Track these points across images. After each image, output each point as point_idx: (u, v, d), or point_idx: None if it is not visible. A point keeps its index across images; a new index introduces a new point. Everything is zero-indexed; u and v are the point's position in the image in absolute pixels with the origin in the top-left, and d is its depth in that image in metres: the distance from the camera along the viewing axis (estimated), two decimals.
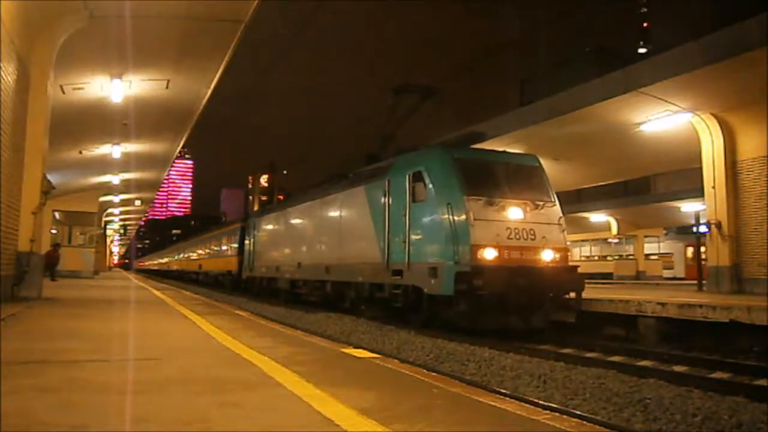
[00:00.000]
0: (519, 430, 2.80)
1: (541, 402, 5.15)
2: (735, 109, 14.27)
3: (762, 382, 6.45)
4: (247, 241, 22.49)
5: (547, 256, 9.51)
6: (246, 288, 22.43)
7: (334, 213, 13.98)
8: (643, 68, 14.09)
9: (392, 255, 10.75)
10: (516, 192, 9.81)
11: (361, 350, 5.65)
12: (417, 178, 10.28)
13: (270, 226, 19.91)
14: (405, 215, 10.40)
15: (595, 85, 15.32)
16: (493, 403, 3.26)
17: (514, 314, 9.13)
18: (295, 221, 17.07)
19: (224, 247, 28.34)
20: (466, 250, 8.97)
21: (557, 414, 3.24)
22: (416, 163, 10.52)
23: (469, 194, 9.37)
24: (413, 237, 10.19)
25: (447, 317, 9.63)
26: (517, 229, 9.37)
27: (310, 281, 15.31)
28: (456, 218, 9.23)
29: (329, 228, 14.21)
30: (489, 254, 9.01)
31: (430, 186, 9.93)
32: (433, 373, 4.81)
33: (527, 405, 3.39)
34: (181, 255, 46.71)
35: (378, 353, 6.03)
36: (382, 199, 11.32)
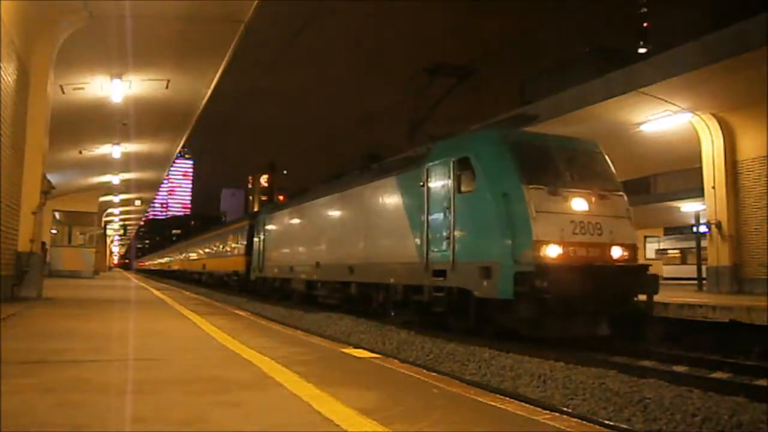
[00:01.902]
0: (519, 430, 2.80)
1: (541, 402, 5.16)
2: (735, 109, 14.28)
3: (762, 382, 6.45)
4: (256, 240, 21.00)
5: (616, 253, 8.45)
6: (254, 289, 21.11)
7: (359, 207, 12.66)
8: (643, 68, 14.10)
9: (432, 253, 9.49)
10: (579, 180, 8.66)
11: (361, 350, 5.66)
12: (463, 165, 9.01)
13: (283, 223, 18.42)
14: (448, 208, 9.14)
15: (595, 85, 15.33)
16: (493, 403, 3.26)
17: (582, 320, 8.08)
18: (313, 217, 15.56)
19: (231, 246, 26.85)
20: (527, 246, 7.82)
21: (557, 414, 3.24)
22: (462, 149, 9.25)
23: (529, 182, 8.16)
24: (459, 233, 8.93)
25: (501, 324, 8.59)
26: (583, 222, 8.27)
27: (330, 283, 13.95)
28: (514, 210, 8.05)
29: (353, 224, 12.86)
30: (553, 251, 7.92)
31: (481, 174, 8.66)
32: (433, 373, 4.82)
33: (527, 405, 3.39)
34: (184, 255, 45.03)
35: (378, 353, 6.04)
36: (419, 191, 9.99)
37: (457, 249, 8.87)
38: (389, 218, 11.20)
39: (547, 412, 3.22)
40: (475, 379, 6.59)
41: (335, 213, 14.02)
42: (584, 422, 3.27)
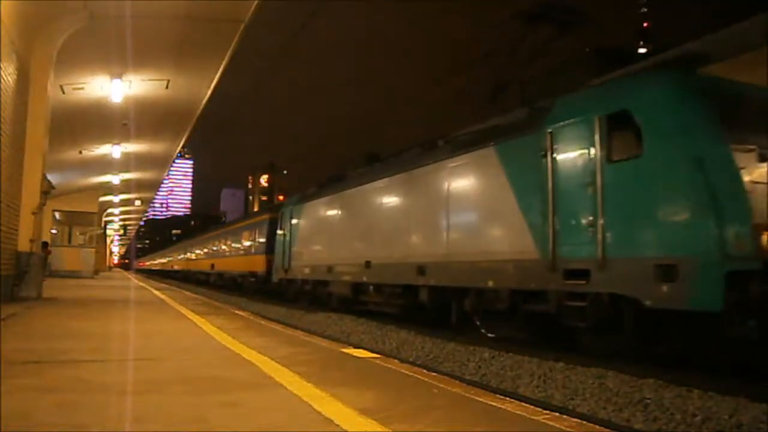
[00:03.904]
0: (519, 430, 2.80)
1: (541, 402, 5.16)
2: None
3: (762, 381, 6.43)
4: (280, 235, 18.20)
5: None
6: (278, 292, 18.52)
7: (433, 190, 10.00)
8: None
9: (564, 247, 7.01)
10: None
11: (361, 350, 5.66)
12: (619, 122, 6.55)
13: (317, 215, 15.50)
14: (591, 183, 6.70)
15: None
16: (493, 403, 3.26)
17: None
18: (361, 206, 12.82)
19: (247, 244, 24.05)
20: (742, 234, 5.50)
21: (557, 414, 3.24)
22: (616, 99, 6.79)
23: (734, 142, 5.82)
24: (612, 217, 6.46)
25: (682, 345, 6.30)
26: None
27: (388, 286, 11.36)
28: (716, 182, 5.68)
29: (425, 212, 10.20)
30: None
31: (655, 132, 6.23)
32: (433, 373, 4.81)
33: (527, 405, 3.39)
34: (188, 254, 42.33)
35: (378, 353, 6.05)
36: (537, 163, 7.51)
37: (610, 240, 6.44)
38: (485, 202, 8.74)
39: (547, 412, 3.22)
40: (475, 379, 6.60)
41: (395, 199, 11.34)
42: (584, 422, 3.26)
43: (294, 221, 17.01)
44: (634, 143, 6.36)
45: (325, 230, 14.88)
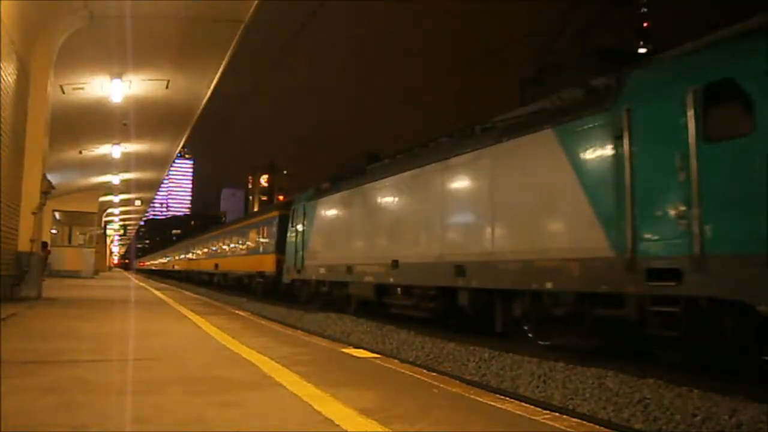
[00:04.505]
0: (519, 430, 2.80)
1: (541, 402, 5.17)
2: None
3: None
4: (291, 234, 17.12)
5: None
6: (289, 294, 17.50)
7: (475, 180, 8.98)
8: None
9: (645, 242, 6.01)
10: None
11: (361, 350, 5.66)
12: (720, 94, 5.54)
13: (335, 212, 14.37)
14: (683, 168, 5.68)
15: None
16: (493, 403, 3.26)
17: None
18: (386, 201, 11.66)
19: (254, 243, 23.05)
20: None
21: (557, 414, 3.24)
22: (714, 67, 5.73)
23: None
24: (713, 205, 5.46)
25: None
26: None
27: (419, 288, 10.32)
28: None
29: (464, 205, 9.22)
30: None
31: None
32: (433, 373, 4.82)
33: (527, 405, 3.39)
34: (190, 253, 41.34)
35: (378, 353, 6.06)
36: (609, 145, 6.54)
37: (709, 233, 5.44)
38: (541, 192, 7.63)
39: (547, 412, 3.22)
40: (475, 379, 6.61)
41: (428, 192, 10.22)
42: (584, 422, 3.27)
43: (308, 218, 15.85)
44: (741, 118, 5.35)
45: (344, 227, 13.77)
